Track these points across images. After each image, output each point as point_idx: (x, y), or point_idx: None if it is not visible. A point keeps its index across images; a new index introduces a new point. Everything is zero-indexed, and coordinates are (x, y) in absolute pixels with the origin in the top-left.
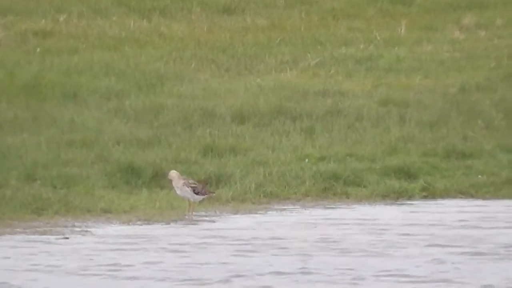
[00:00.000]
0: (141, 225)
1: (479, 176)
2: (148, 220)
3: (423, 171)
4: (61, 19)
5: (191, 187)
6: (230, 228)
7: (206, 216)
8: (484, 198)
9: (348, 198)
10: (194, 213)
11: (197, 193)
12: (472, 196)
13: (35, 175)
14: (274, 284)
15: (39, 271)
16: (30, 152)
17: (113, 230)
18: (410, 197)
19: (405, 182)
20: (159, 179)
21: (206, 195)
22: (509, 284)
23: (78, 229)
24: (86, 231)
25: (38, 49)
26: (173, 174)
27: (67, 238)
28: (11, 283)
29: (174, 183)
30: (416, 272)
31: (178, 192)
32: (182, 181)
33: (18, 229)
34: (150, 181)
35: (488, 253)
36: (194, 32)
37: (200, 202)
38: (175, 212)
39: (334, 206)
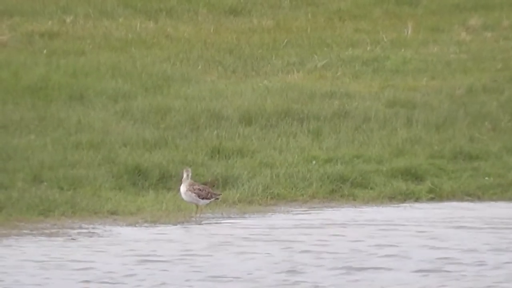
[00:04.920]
0: (148, 227)
1: (486, 178)
2: (155, 222)
3: (430, 173)
4: (68, 20)
5: (195, 192)
6: None
7: (213, 217)
8: (490, 199)
9: (355, 200)
10: (201, 215)
11: (202, 198)
12: (479, 198)
13: (42, 176)
14: None
15: None
16: (37, 153)
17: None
18: (417, 199)
19: (412, 184)
20: (166, 181)
21: (211, 199)
22: None
23: (85, 230)
24: (93, 232)
25: (45, 51)
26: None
27: (74, 239)
28: None
29: (182, 184)
30: None
31: (183, 196)
32: (187, 186)
33: (25, 231)
34: (157, 182)
35: None
36: (200, 34)
37: (207, 204)
38: (182, 213)
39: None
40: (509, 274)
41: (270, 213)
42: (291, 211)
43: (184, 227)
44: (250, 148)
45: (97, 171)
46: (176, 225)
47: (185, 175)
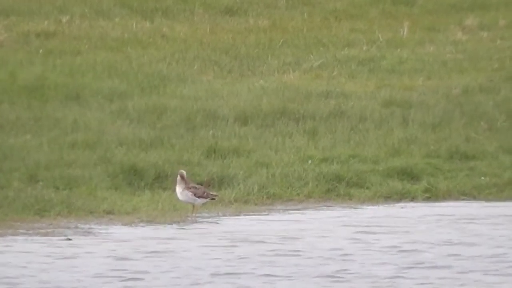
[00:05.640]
0: (143, 226)
1: (482, 177)
2: (150, 222)
3: (426, 172)
4: (64, 20)
5: (191, 191)
6: None
7: (209, 217)
8: (486, 199)
9: (351, 199)
10: (196, 214)
11: (198, 197)
12: (474, 197)
13: (38, 176)
14: None
15: None
16: (33, 153)
17: None
18: (412, 199)
19: (408, 183)
20: (161, 181)
21: (208, 199)
22: None
23: (80, 230)
24: (89, 232)
25: (41, 50)
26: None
27: (70, 239)
28: None
29: (177, 186)
30: None
31: (179, 196)
32: (183, 186)
33: (20, 230)
34: (153, 182)
35: None
36: (196, 33)
37: (203, 204)
38: (177, 213)
39: None
40: None
41: (265, 212)
42: (287, 210)
43: (181, 227)
44: (246, 147)
45: (93, 171)
46: (172, 224)
47: (179, 178)
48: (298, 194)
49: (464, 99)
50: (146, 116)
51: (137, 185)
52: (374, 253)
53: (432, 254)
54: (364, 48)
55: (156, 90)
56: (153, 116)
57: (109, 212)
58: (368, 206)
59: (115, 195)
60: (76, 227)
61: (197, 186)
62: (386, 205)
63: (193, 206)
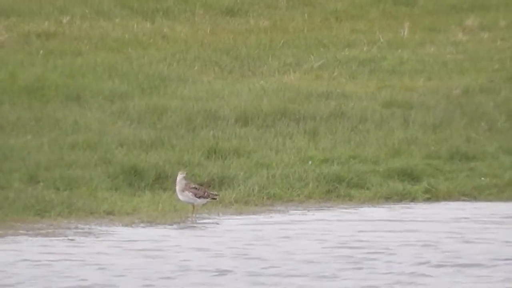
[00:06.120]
0: (144, 227)
1: (482, 178)
2: (151, 222)
3: (426, 173)
4: (64, 21)
5: (191, 191)
6: None
7: (209, 218)
8: (487, 200)
9: (351, 200)
10: (197, 215)
11: (199, 197)
12: (475, 198)
13: (38, 176)
14: None
15: None
16: (33, 153)
17: None
18: (413, 200)
19: (408, 184)
20: (162, 181)
21: (208, 199)
22: None
23: (81, 230)
24: (89, 233)
25: (41, 51)
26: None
27: (71, 239)
28: None
29: (177, 187)
30: None
31: (179, 197)
32: (184, 185)
33: (21, 231)
34: (153, 183)
35: None
36: (197, 34)
37: (204, 204)
38: (178, 214)
39: None
40: None
41: (266, 213)
42: (288, 211)
43: (181, 227)
44: (246, 148)
45: (94, 172)
46: (172, 225)
47: (179, 178)
48: (298, 195)
49: (465, 100)
50: (147, 117)
51: (137, 185)
52: (377, 253)
53: (444, 254)
54: (365, 48)
55: (156, 90)
56: (153, 116)
57: (109, 213)
58: (369, 206)
59: (115, 195)
60: (77, 228)
61: (197, 186)
62: (387, 205)
63: (193, 207)
